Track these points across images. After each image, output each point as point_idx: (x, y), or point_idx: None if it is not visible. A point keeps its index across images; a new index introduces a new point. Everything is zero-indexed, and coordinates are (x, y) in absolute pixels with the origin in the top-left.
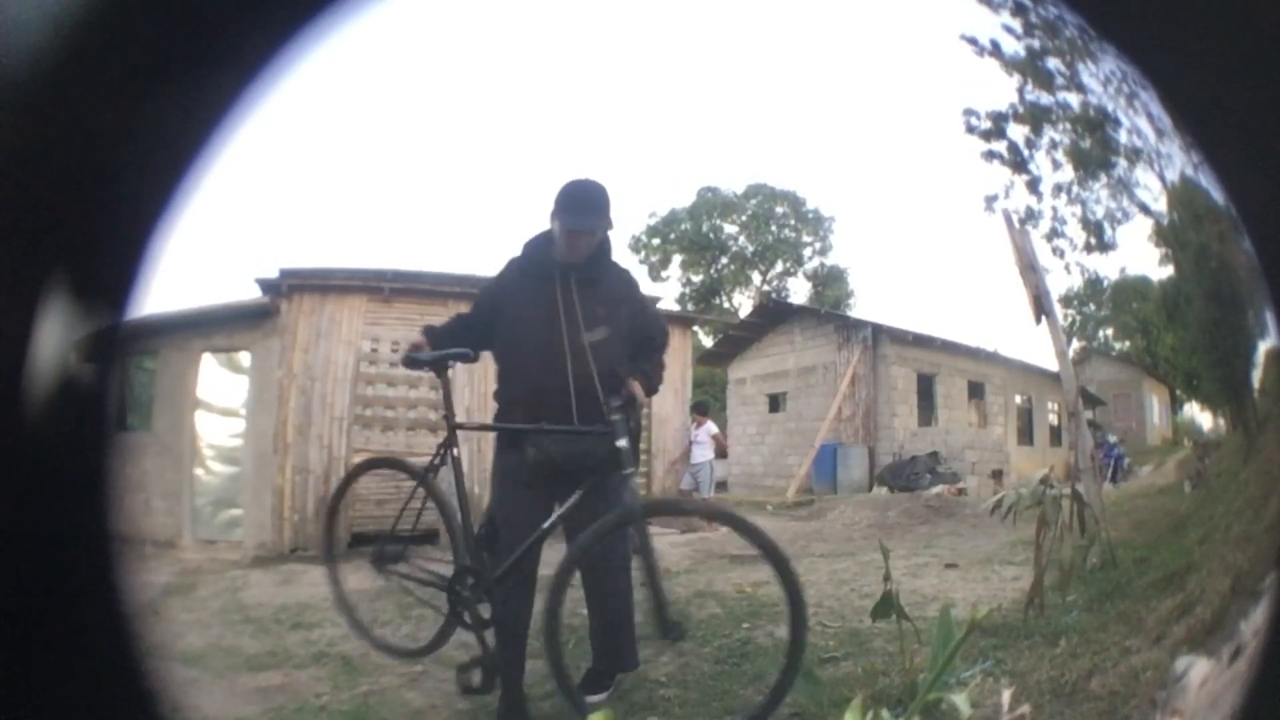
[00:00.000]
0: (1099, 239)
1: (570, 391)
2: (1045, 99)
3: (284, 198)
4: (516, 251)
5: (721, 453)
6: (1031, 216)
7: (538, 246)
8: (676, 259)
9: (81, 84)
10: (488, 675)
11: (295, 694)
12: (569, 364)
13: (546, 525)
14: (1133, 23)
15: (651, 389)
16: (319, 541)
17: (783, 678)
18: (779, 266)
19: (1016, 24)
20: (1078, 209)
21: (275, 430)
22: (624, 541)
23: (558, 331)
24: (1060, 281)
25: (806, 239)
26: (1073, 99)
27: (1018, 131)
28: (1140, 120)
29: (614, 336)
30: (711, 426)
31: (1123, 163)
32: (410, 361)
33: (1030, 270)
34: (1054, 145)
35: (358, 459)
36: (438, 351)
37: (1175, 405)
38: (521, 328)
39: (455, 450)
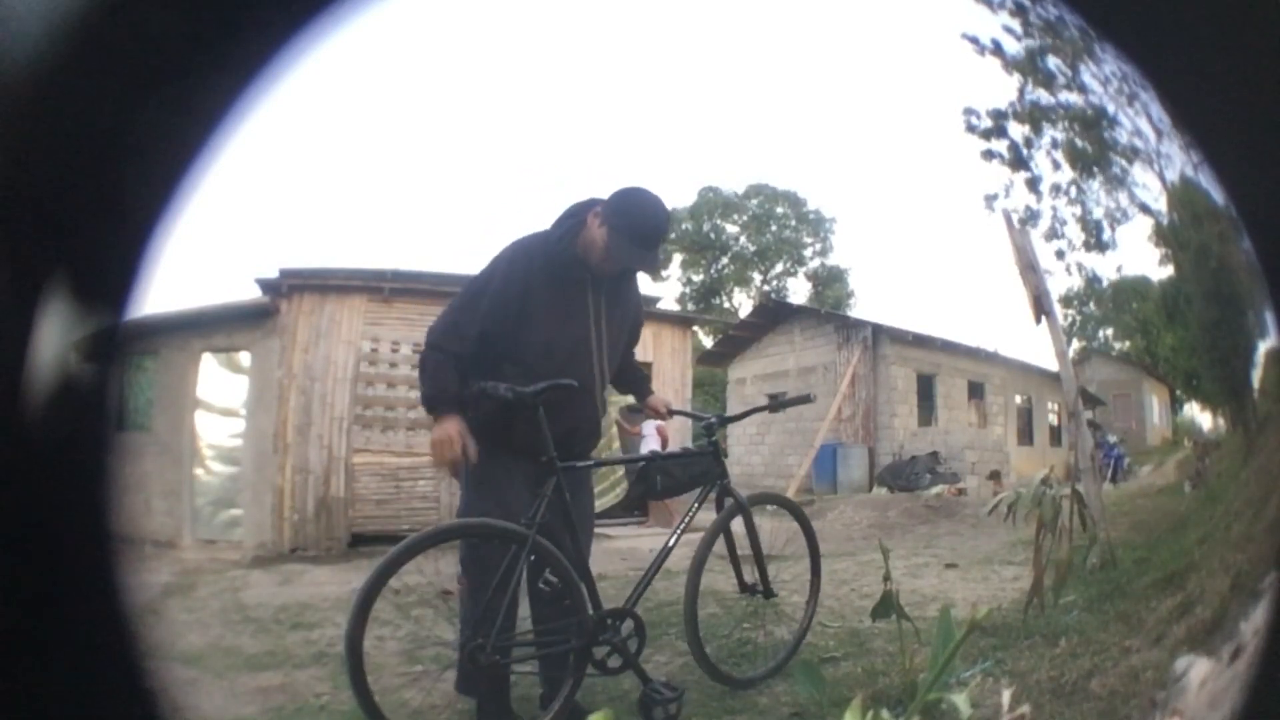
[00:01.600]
0: (1099, 239)
1: (597, 403)
2: (1045, 98)
3: (284, 198)
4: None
5: (665, 444)
6: (1032, 216)
7: (568, 246)
8: (677, 258)
9: (81, 84)
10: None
11: (295, 694)
12: (596, 374)
13: (672, 543)
14: (1133, 23)
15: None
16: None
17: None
18: (779, 266)
19: (1017, 24)
20: (1078, 209)
21: (275, 430)
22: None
23: (597, 345)
24: (1060, 281)
25: (807, 239)
26: (1073, 98)
27: (1018, 131)
28: (1140, 120)
29: (627, 338)
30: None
31: (1123, 162)
32: (522, 398)
33: (1030, 270)
34: (1054, 145)
35: (426, 530)
36: (545, 383)
37: (1175, 405)
38: (559, 339)
39: (567, 495)
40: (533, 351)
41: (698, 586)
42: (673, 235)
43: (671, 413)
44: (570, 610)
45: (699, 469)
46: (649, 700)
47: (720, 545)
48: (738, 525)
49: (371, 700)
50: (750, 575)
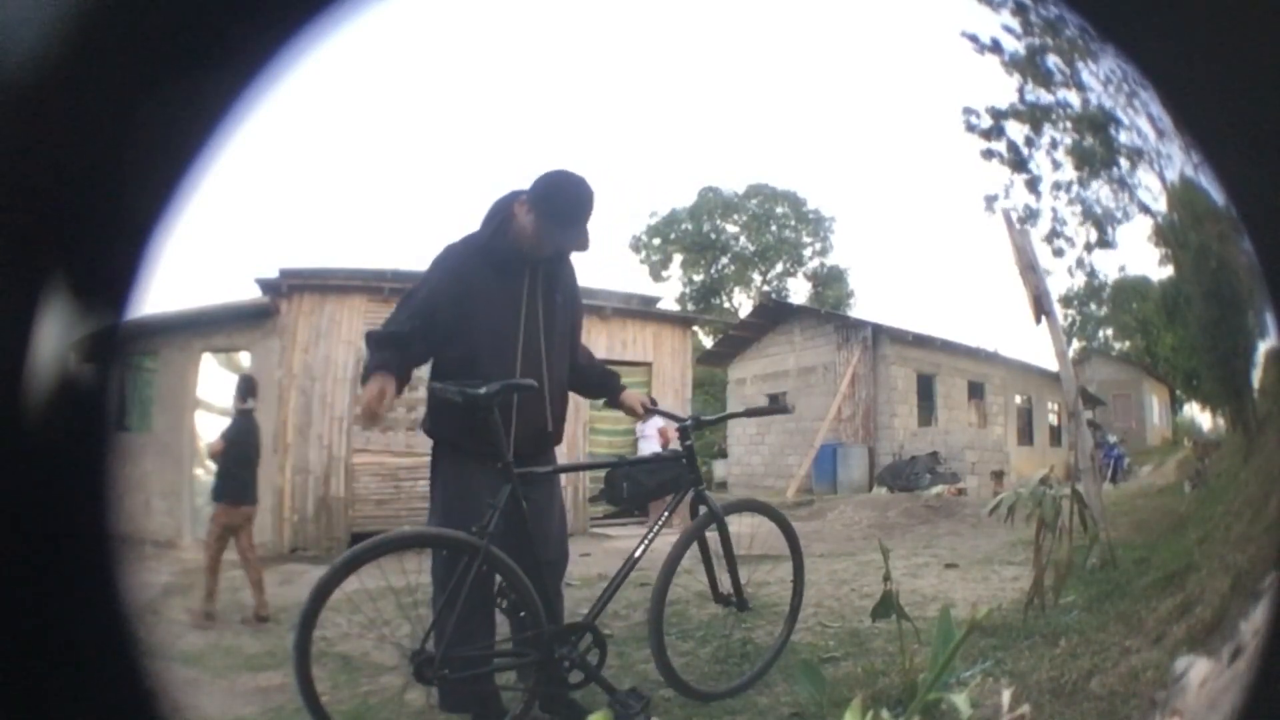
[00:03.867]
0: (1099, 239)
1: (546, 396)
2: (1045, 98)
3: (284, 198)
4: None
5: (667, 445)
6: (1031, 216)
7: (500, 240)
8: (677, 259)
9: (81, 84)
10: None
11: (295, 694)
12: (545, 366)
13: (639, 554)
14: (1133, 22)
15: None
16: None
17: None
18: (779, 266)
19: (1016, 23)
20: (1078, 209)
21: (275, 430)
22: (559, 497)
23: (534, 333)
24: (1060, 281)
25: (807, 239)
26: (1073, 98)
27: (1018, 131)
28: (1140, 120)
29: (569, 326)
30: (657, 420)
31: (1123, 162)
32: (474, 400)
33: (1030, 270)
34: (1054, 144)
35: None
36: (500, 383)
37: (1175, 405)
38: (495, 331)
39: (524, 503)
40: (469, 345)
41: (664, 599)
42: (673, 235)
43: (649, 411)
44: (528, 624)
45: (669, 475)
46: (620, 713)
47: (696, 553)
48: (713, 534)
49: (323, 711)
50: (725, 586)
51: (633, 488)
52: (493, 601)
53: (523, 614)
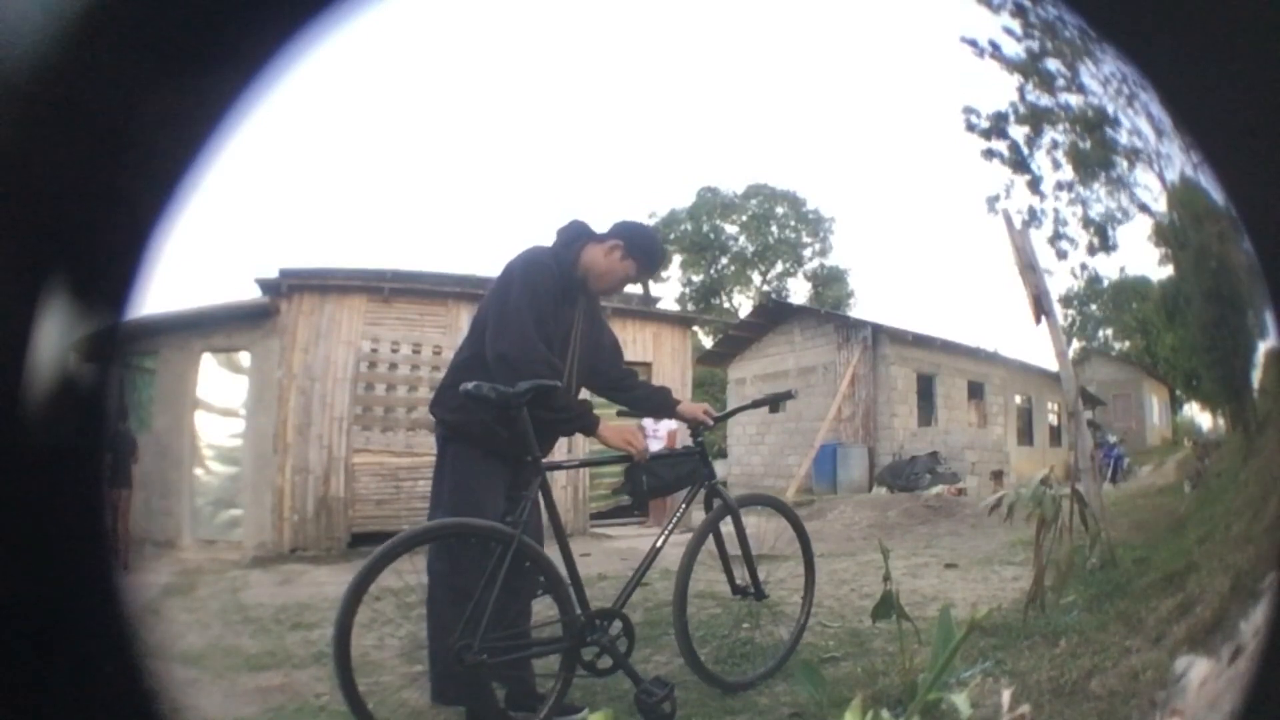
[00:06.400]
0: (1100, 239)
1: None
2: (1045, 99)
3: (284, 198)
4: (515, 249)
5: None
6: (1033, 217)
7: (567, 265)
8: (677, 259)
9: (81, 84)
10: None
11: (295, 694)
12: (570, 383)
13: (660, 544)
14: (1133, 23)
15: None
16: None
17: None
18: (779, 267)
19: (1016, 25)
20: (1078, 209)
21: (275, 430)
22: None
23: (574, 356)
24: (1061, 281)
25: (806, 239)
26: (1073, 99)
27: (1018, 131)
28: (1140, 120)
29: (601, 347)
30: (669, 422)
31: (1123, 163)
32: (507, 398)
33: (1030, 270)
34: (1054, 145)
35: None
36: (530, 384)
37: (1175, 405)
38: (560, 347)
39: (552, 495)
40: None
41: (686, 590)
42: (672, 235)
43: (715, 419)
44: (560, 610)
45: (685, 469)
46: (646, 701)
47: (711, 547)
48: (727, 527)
49: (362, 703)
50: (742, 577)
51: (652, 480)
52: (530, 589)
53: (556, 604)
